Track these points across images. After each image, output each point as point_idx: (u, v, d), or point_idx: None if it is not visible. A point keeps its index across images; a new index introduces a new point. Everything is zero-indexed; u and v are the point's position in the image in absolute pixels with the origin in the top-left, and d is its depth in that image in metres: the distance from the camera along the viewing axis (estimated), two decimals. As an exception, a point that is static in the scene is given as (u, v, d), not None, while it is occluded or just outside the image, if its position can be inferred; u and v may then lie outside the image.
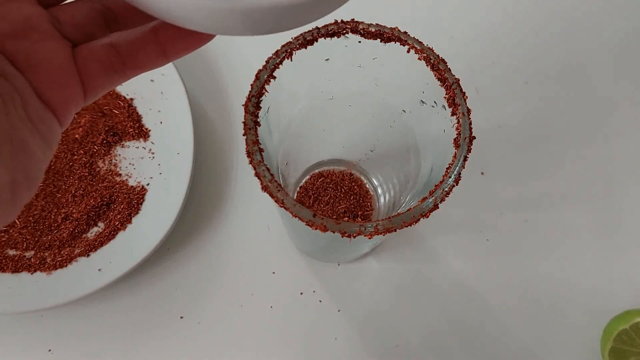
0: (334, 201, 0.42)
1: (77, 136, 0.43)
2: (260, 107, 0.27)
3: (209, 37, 0.19)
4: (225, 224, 0.43)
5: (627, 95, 0.49)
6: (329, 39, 0.28)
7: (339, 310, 0.40)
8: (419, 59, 0.28)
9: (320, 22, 0.28)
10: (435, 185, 0.26)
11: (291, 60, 0.28)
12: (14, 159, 0.16)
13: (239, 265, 0.41)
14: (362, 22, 0.28)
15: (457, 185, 0.26)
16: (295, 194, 0.42)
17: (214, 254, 0.42)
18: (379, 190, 0.42)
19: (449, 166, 0.26)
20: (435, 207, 0.25)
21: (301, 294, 0.41)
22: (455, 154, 0.26)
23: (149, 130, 0.44)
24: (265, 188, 0.25)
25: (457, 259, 0.42)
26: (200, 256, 0.42)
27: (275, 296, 0.40)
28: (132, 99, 0.45)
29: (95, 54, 0.18)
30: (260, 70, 0.27)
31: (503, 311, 0.41)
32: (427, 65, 0.27)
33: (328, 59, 0.30)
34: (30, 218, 0.41)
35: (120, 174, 0.43)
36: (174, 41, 0.19)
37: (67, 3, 0.19)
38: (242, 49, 0.48)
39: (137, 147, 0.43)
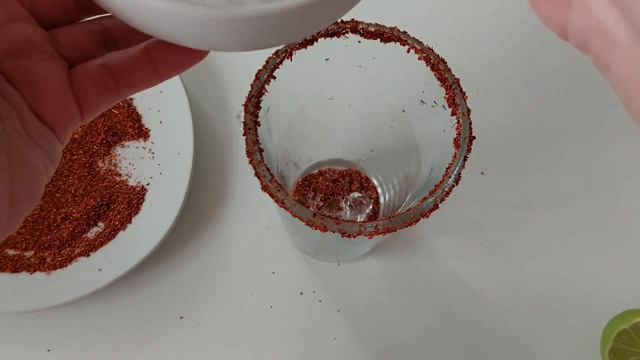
0: (333, 201, 0.42)
1: (76, 136, 0.43)
2: (260, 107, 0.27)
3: (200, 57, 0.19)
4: (225, 224, 0.43)
5: (627, 95, 0.48)
6: (328, 39, 0.28)
7: (338, 310, 0.40)
8: (418, 59, 0.28)
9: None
10: (435, 185, 0.26)
11: (291, 60, 0.28)
12: (12, 171, 0.16)
13: (239, 265, 0.41)
14: (362, 22, 0.28)
15: (457, 185, 0.26)
16: (295, 194, 0.42)
17: (214, 254, 0.42)
18: (379, 190, 0.42)
19: (449, 166, 0.26)
20: (435, 207, 0.25)
21: (301, 294, 0.41)
22: (455, 154, 0.26)
23: (149, 130, 0.44)
24: (265, 188, 0.25)
25: (457, 259, 0.42)
26: (200, 256, 0.42)
27: (275, 296, 0.40)
28: (131, 99, 0.45)
29: (89, 74, 0.19)
30: (260, 70, 0.27)
31: (503, 311, 0.41)
32: (427, 65, 0.27)
33: (328, 59, 0.30)
34: (30, 218, 0.41)
35: (120, 174, 0.43)
36: (165, 60, 0.19)
37: (67, 26, 0.20)
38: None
39: (137, 147, 0.43)
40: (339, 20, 0.28)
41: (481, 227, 0.43)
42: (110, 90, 0.19)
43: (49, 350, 0.39)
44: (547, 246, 0.43)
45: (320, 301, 0.40)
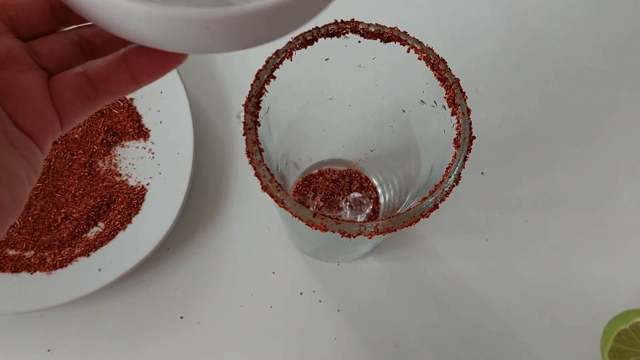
0: (334, 201, 0.42)
1: (76, 136, 0.43)
2: (260, 107, 0.27)
3: (177, 61, 0.19)
4: (225, 224, 0.43)
5: (626, 95, 0.49)
6: (328, 39, 0.28)
7: (338, 310, 0.40)
8: (418, 58, 0.28)
9: (320, 22, 0.28)
10: (435, 185, 0.26)
11: (291, 60, 0.28)
12: None
13: (239, 265, 0.41)
14: (362, 22, 0.28)
15: (457, 185, 0.26)
16: (295, 194, 0.42)
17: (214, 254, 0.42)
18: (379, 190, 0.42)
19: (449, 166, 0.26)
20: (435, 207, 0.25)
21: (301, 293, 0.41)
22: (455, 154, 0.26)
23: (149, 130, 0.44)
24: (265, 188, 0.25)
25: (456, 259, 0.42)
26: (200, 256, 0.42)
27: (275, 296, 0.40)
28: (131, 99, 0.45)
29: (67, 83, 0.19)
30: (260, 70, 0.27)
31: (503, 311, 0.41)
32: (427, 65, 0.27)
33: (328, 59, 0.30)
34: (30, 218, 0.41)
35: (120, 174, 0.43)
36: (142, 66, 0.19)
37: (45, 37, 0.20)
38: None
39: (137, 147, 0.44)
40: (339, 20, 0.28)
41: (481, 227, 0.43)
42: (89, 98, 0.19)
43: (49, 350, 0.39)
44: (547, 246, 0.43)
45: (320, 301, 0.40)
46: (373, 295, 0.41)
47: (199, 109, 0.46)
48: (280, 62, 0.27)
